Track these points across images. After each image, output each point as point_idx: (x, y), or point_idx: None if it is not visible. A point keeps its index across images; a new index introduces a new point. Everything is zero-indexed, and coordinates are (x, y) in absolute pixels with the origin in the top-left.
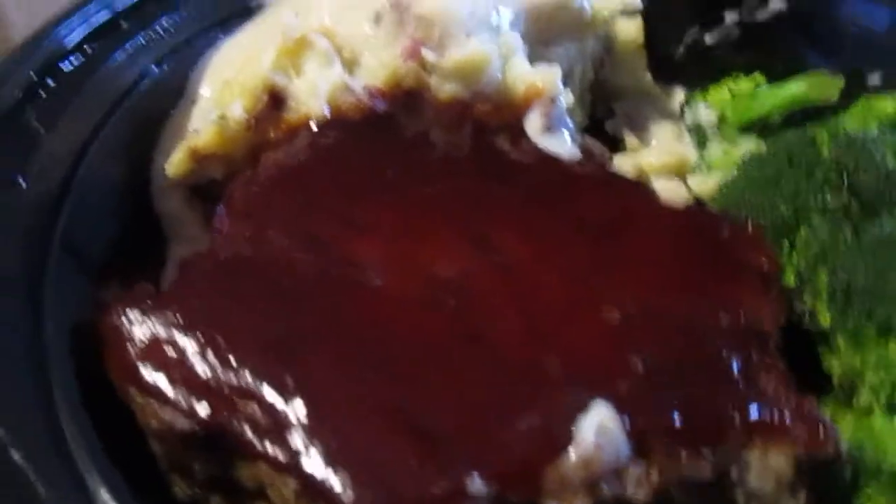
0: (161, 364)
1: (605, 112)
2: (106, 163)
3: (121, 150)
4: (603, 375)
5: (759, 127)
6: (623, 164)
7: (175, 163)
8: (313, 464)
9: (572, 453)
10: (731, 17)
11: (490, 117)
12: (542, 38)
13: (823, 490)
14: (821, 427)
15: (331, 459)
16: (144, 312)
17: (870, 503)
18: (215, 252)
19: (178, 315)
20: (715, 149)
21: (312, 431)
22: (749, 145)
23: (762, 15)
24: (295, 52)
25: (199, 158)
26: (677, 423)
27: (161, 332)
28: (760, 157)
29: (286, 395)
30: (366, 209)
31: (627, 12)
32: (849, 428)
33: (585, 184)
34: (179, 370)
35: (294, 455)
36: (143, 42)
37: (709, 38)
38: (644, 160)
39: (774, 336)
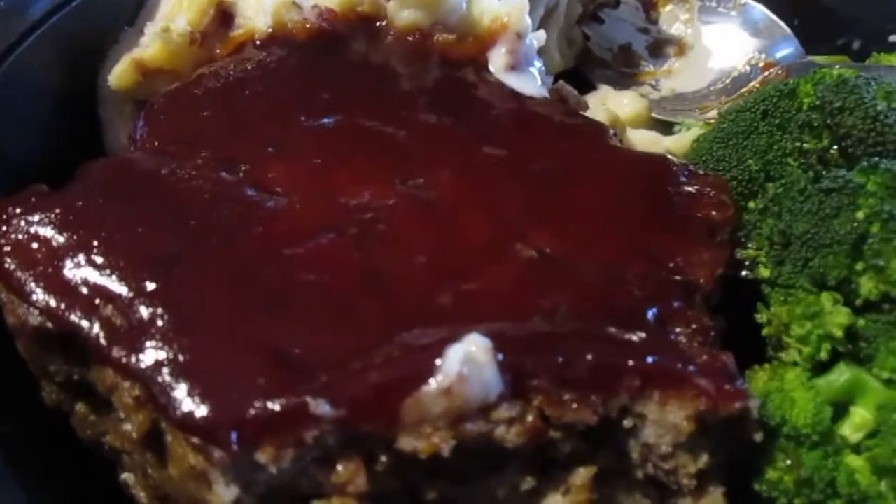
0: (28, 261)
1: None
2: (42, 65)
3: (62, 55)
4: (494, 312)
5: None
6: (597, 112)
7: (118, 74)
8: (160, 371)
9: (434, 383)
10: None
11: (452, 50)
12: None
13: (728, 453)
14: (729, 382)
15: (174, 370)
16: (26, 210)
17: (769, 462)
18: (121, 161)
19: (58, 215)
20: None
21: (163, 340)
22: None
23: None
24: None
25: (144, 72)
26: (562, 364)
27: (37, 230)
28: (737, 109)
29: (148, 303)
30: (292, 132)
31: None
32: (759, 379)
33: (543, 124)
34: (45, 268)
35: (137, 359)
36: None
37: None
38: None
39: (707, 288)
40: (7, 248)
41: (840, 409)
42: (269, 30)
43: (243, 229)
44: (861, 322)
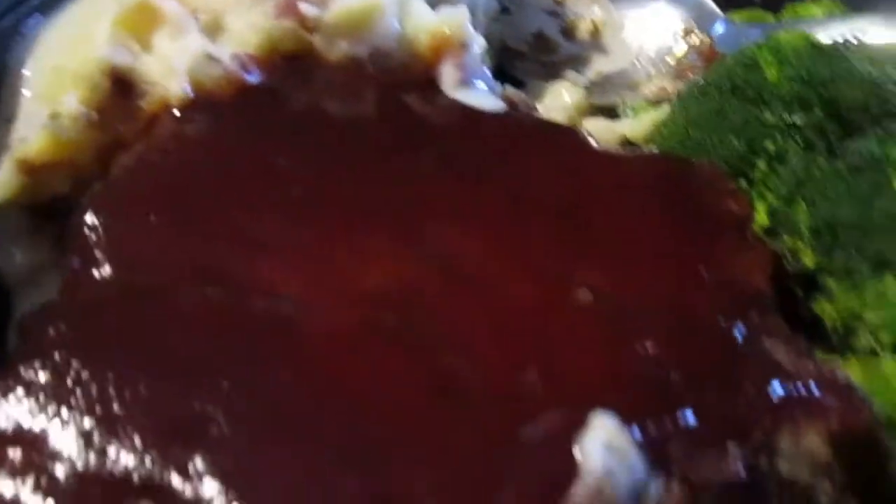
0: (13, 470)
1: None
2: None
3: None
4: (595, 381)
5: None
6: (551, 112)
7: (4, 183)
8: None
9: (580, 484)
10: None
11: (396, 77)
12: None
13: (859, 461)
14: (852, 395)
15: None
16: None
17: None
18: (70, 302)
19: (29, 396)
20: None
21: None
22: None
23: None
24: (138, 21)
25: (32, 172)
26: (690, 422)
27: (7, 424)
28: (699, 88)
29: (197, 484)
30: (262, 215)
31: None
32: (854, 376)
33: (523, 143)
34: (39, 474)
35: None
36: None
37: None
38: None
39: (769, 292)
40: None
41: None
42: (188, 93)
43: (268, 359)
44: None
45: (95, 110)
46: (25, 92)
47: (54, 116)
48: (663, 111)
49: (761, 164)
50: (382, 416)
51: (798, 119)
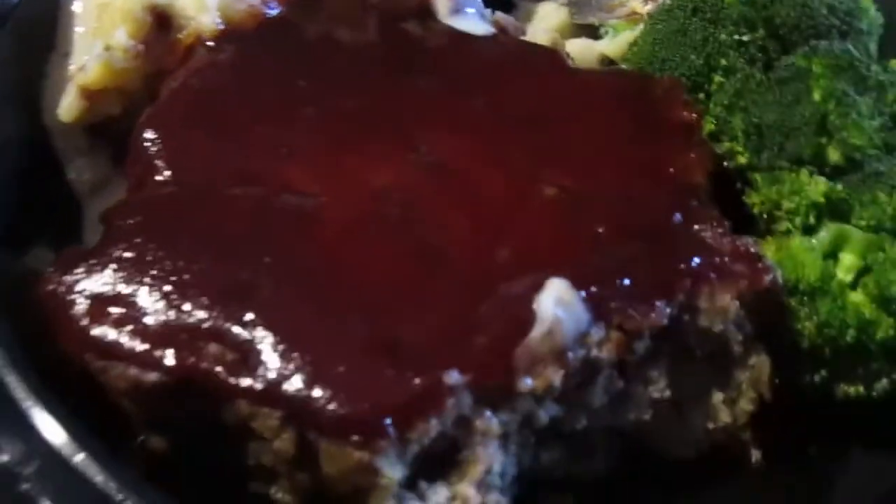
0: (113, 322)
1: None
2: None
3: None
4: (553, 255)
5: None
6: (537, 34)
7: (69, 108)
8: (292, 389)
9: (537, 329)
10: None
11: (394, 5)
12: None
13: (766, 317)
14: (758, 263)
15: (308, 382)
16: (82, 274)
17: (793, 317)
18: (138, 200)
19: (118, 270)
20: None
21: (284, 359)
22: None
23: None
24: None
25: (90, 96)
26: (627, 285)
27: (105, 290)
28: (666, 10)
29: (249, 330)
30: (285, 128)
31: None
32: (770, 252)
33: (505, 64)
34: (134, 325)
35: (270, 384)
36: None
37: None
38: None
39: (705, 185)
40: (88, 318)
41: (833, 259)
42: (220, 26)
43: (296, 238)
44: (835, 186)
45: (141, 43)
46: (78, 28)
47: (108, 48)
48: (637, 31)
49: (717, 78)
50: (384, 279)
51: (745, 37)
